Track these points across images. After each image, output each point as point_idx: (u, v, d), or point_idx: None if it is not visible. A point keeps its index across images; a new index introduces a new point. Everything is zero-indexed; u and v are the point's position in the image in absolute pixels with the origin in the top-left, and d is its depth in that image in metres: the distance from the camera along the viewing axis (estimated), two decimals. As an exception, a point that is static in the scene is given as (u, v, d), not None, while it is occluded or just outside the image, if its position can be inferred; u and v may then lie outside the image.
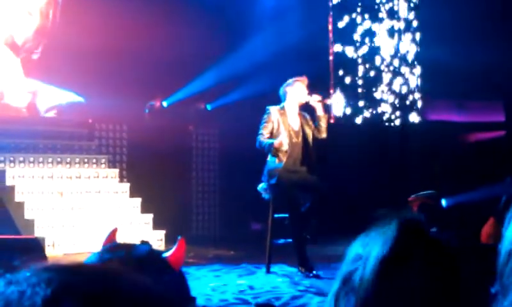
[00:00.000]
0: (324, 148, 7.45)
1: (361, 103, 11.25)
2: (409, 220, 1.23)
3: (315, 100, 7.08)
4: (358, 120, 11.20)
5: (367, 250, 1.21)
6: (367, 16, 11.34)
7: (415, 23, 11.65)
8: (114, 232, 1.42)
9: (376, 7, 11.40)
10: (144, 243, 1.22)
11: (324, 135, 7.13)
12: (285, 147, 6.96)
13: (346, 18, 11.18)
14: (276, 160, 6.94)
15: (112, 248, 1.23)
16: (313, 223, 6.91)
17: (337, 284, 1.23)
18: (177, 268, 1.27)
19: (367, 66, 11.32)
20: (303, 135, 7.08)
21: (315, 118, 7.15)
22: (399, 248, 1.18)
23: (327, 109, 7.16)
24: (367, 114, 11.27)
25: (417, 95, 11.65)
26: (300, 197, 6.85)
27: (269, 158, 7.02)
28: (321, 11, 10.92)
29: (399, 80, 11.54)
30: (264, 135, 6.94)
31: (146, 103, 10.29)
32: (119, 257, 1.18)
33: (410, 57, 11.64)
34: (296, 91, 7.07)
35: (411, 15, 11.67)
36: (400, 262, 1.17)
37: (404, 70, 11.60)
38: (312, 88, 7.41)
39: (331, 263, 6.73)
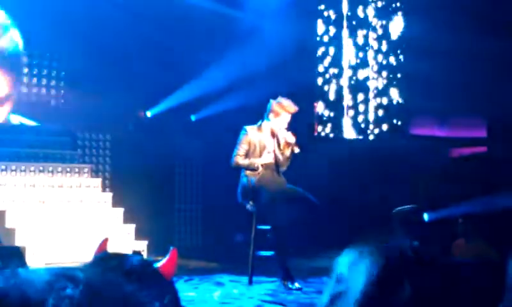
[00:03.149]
0: (310, 162, 7.46)
1: (343, 119, 11.31)
2: (392, 250, 1.24)
3: (287, 140, 7.02)
4: (342, 135, 11.25)
5: (351, 274, 1.23)
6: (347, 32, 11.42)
7: (395, 37, 11.74)
8: (105, 242, 1.42)
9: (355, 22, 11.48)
10: (136, 253, 1.22)
11: (282, 168, 7.12)
12: (260, 164, 6.98)
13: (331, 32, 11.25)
14: (251, 177, 6.95)
15: (104, 258, 1.23)
16: (297, 235, 6.91)
17: (326, 299, 1.24)
18: (168, 278, 1.28)
19: (349, 82, 11.38)
20: (274, 155, 7.10)
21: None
22: (383, 282, 1.19)
23: (293, 152, 7.10)
24: (351, 129, 11.33)
25: (400, 110, 11.72)
26: (281, 208, 6.84)
27: (242, 178, 7.02)
28: (310, 23, 10.98)
29: (381, 96, 11.61)
30: (239, 156, 6.96)
31: (130, 112, 10.27)
32: (111, 267, 1.18)
33: (392, 72, 11.72)
34: (280, 121, 7.05)
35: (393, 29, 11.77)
36: (385, 294, 1.18)
37: (386, 85, 11.68)
38: (297, 103, 7.41)
39: (319, 277, 6.78)
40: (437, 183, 10.57)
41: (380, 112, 11.58)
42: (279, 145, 7.07)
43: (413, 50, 11.44)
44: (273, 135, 7.09)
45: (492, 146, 11.37)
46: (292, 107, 7.03)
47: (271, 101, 7.08)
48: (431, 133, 11.70)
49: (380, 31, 11.60)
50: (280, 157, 7.06)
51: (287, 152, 7.03)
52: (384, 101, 11.62)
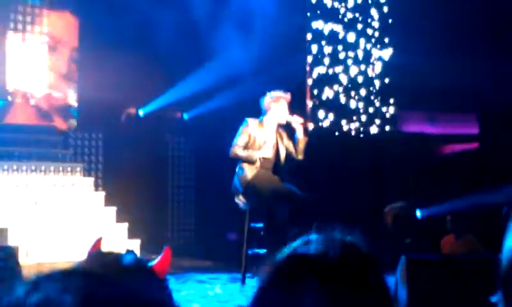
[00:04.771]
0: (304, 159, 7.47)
1: (335, 115, 11.31)
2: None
3: (297, 122, 7.08)
4: (332, 132, 11.25)
5: None
6: (339, 27, 11.43)
7: (386, 36, 11.77)
8: (99, 241, 1.43)
9: (345, 17, 11.49)
10: (129, 252, 1.24)
11: (300, 157, 7.11)
12: (259, 158, 6.96)
13: (322, 26, 11.26)
14: (247, 171, 6.94)
15: (98, 256, 1.24)
16: (294, 232, 6.92)
17: None
18: (162, 276, 1.29)
19: (340, 77, 11.39)
20: (276, 153, 7.08)
21: (293, 137, 7.15)
22: (279, 274, 1.17)
23: (307, 131, 7.16)
24: (343, 125, 11.34)
25: (391, 107, 11.75)
26: (276, 206, 6.85)
27: (238, 170, 7.01)
28: (299, 20, 10.98)
29: (371, 92, 11.63)
30: (238, 146, 6.94)
31: (122, 111, 10.27)
32: (106, 265, 1.19)
33: (382, 68, 11.74)
34: (279, 109, 7.05)
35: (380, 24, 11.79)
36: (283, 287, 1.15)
37: (376, 82, 11.70)
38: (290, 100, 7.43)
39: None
40: (428, 180, 10.60)
41: (370, 109, 11.60)
42: (291, 136, 7.07)
43: (404, 45, 11.46)
44: (278, 133, 7.09)
45: (484, 143, 11.40)
46: (286, 94, 7.09)
47: (263, 98, 7.11)
48: (422, 130, 11.73)
49: (377, 25, 11.62)
50: (283, 153, 7.04)
51: (300, 134, 7.02)
52: (374, 97, 11.64)
